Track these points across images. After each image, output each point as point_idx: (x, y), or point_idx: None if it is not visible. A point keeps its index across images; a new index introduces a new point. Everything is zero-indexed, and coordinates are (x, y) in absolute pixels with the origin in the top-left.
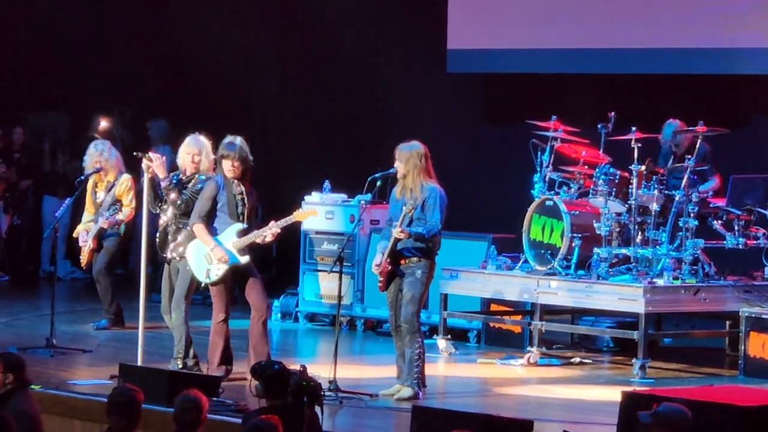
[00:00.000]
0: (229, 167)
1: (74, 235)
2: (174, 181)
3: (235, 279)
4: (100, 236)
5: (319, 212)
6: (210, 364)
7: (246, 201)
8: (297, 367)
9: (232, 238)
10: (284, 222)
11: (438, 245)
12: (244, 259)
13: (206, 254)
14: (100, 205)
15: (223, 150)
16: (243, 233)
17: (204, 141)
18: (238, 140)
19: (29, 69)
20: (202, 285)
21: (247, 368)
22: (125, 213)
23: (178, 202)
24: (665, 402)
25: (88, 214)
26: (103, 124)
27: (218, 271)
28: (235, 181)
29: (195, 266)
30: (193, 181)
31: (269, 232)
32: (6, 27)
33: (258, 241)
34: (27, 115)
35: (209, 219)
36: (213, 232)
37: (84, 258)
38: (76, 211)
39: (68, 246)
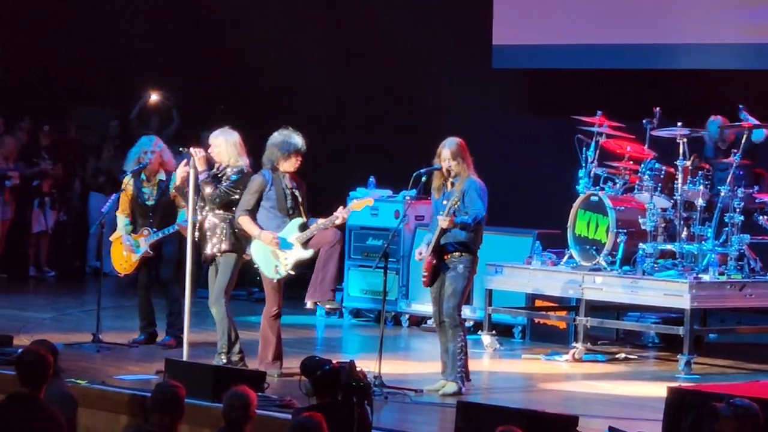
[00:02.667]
0: (295, 165)
1: (111, 238)
2: (209, 175)
3: (302, 272)
4: (158, 242)
5: (364, 208)
6: (262, 360)
7: (297, 194)
8: (336, 360)
9: (294, 233)
10: (347, 211)
11: (480, 240)
12: (308, 253)
13: (272, 250)
14: (152, 208)
15: (293, 148)
16: (304, 227)
17: (229, 134)
18: (300, 138)
19: (77, 64)
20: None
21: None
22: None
23: (213, 196)
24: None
25: (123, 217)
26: (154, 97)
27: (287, 266)
28: (286, 175)
29: (262, 264)
30: (226, 173)
31: (340, 218)
32: (54, 22)
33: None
34: (74, 111)
35: (254, 213)
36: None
37: (125, 265)
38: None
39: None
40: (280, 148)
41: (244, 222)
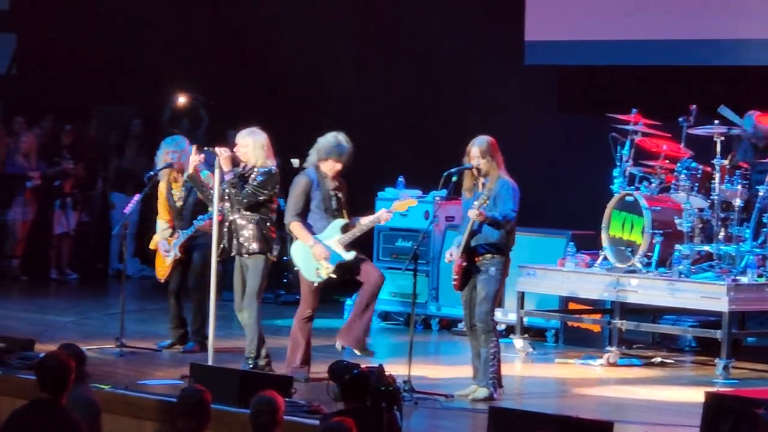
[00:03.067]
0: (333, 169)
1: (151, 246)
2: (235, 175)
3: (343, 275)
4: (188, 246)
5: None
6: (290, 363)
7: (339, 196)
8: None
9: (335, 234)
10: (391, 211)
11: (512, 241)
12: (350, 255)
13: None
14: (182, 209)
15: (336, 150)
16: (345, 228)
17: (257, 135)
18: (349, 146)
19: (101, 62)
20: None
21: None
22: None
23: (240, 197)
24: None
25: (162, 222)
26: (182, 99)
27: (328, 269)
28: (328, 175)
29: (303, 266)
30: (253, 174)
31: (383, 218)
32: (76, 18)
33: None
34: (96, 110)
35: (304, 215)
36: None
37: (164, 270)
38: (145, 208)
39: (137, 244)
40: (327, 150)
41: (296, 228)
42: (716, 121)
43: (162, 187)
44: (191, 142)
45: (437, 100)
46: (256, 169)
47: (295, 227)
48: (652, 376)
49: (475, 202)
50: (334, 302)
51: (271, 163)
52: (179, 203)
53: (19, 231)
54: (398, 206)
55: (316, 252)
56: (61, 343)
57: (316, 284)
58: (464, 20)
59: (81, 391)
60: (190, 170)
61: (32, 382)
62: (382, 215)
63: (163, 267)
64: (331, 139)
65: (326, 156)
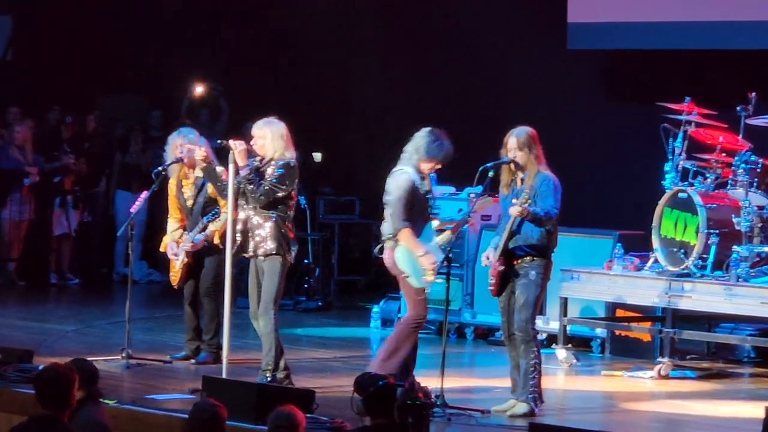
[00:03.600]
0: (431, 169)
1: (162, 249)
2: (251, 170)
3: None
4: (200, 250)
5: None
6: (381, 368)
7: (429, 197)
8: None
9: (434, 238)
10: (474, 213)
11: (554, 242)
12: (442, 256)
13: (418, 257)
14: (192, 209)
15: (441, 150)
16: (439, 230)
17: (275, 124)
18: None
19: (104, 47)
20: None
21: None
22: (222, 220)
23: (257, 194)
24: None
25: (173, 221)
26: (199, 89)
27: (433, 273)
28: (425, 176)
29: (413, 273)
30: (270, 167)
31: (470, 221)
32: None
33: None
34: (99, 100)
35: (414, 221)
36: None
37: (175, 276)
38: (153, 207)
39: (144, 246)
40: (431, 150)
41: (406, 235)
42: None
43: (172, 184)
44: (211, 135)
45: (471, 88)
46: (273, 162)
47: (404, 234)
48: (708, 389)
49: (515, 200)
50: (359, 309)
51: (290, 156)
52: (189, 202)
53: (15, 232)
54: (479, 207)
55: (425, 261)
56: (66, 356)
57: (424, 290)
58: (500, 0)
59: (92, 412)
60: (200, 158)
61: (31, 396)
62: (467, 219)
63: (174, 272)
64: (431, 137)
65: (431, 156)
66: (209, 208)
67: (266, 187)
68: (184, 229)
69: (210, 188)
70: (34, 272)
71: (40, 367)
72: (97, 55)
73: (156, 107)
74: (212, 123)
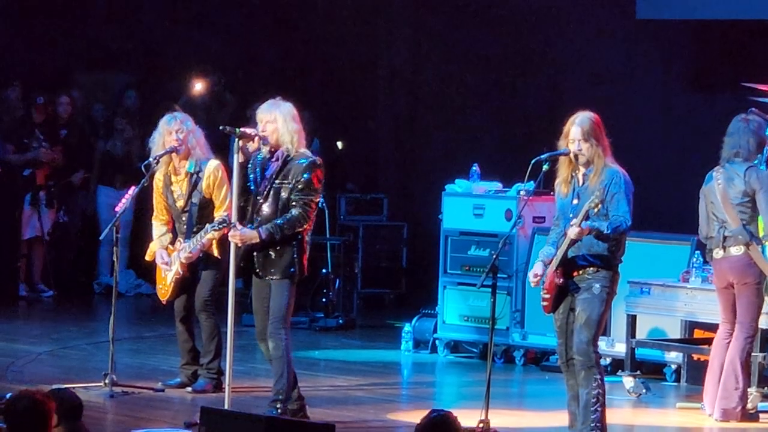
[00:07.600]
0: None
1: (148, 257)
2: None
3: None
4: (196, 260)
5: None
6: (728, 402)
7: None
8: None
9: None
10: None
11: (622, 251)
12: None
13: None
14: (184, 210)
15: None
16: None
17: (283, 105)
18: None
19: (81, 16)
20: None
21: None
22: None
23: (288, 223)
24: None
25: (158, 224)
26: (199, 86)
27: None
28: None
29: None
30: (291, 172)
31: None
32: None
33: None
34: (78, 79)
35: None
36: None
37: (165, 290)
38: (140, 206)
39: (132, 251)
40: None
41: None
42: None
43: (158, 180)
44: (214, 123)
45: (522, 66)
46: (294, 162)
47: None
48: None
49: (574, 220)
50: (387, 328)
51: (304, 146)
52: (180, 202)
53: None
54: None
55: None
56: (39, 383)
57: None
58: None
59: None
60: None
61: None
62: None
63: (164, 285)
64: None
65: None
66: (206, 210)
67: (299, 215)
68: (174, 234)
69: (206, 186)
70: (0, 283)
71: (8, 396)
72: (74, 24)
73: (131, 86)
74: (215, 117)
